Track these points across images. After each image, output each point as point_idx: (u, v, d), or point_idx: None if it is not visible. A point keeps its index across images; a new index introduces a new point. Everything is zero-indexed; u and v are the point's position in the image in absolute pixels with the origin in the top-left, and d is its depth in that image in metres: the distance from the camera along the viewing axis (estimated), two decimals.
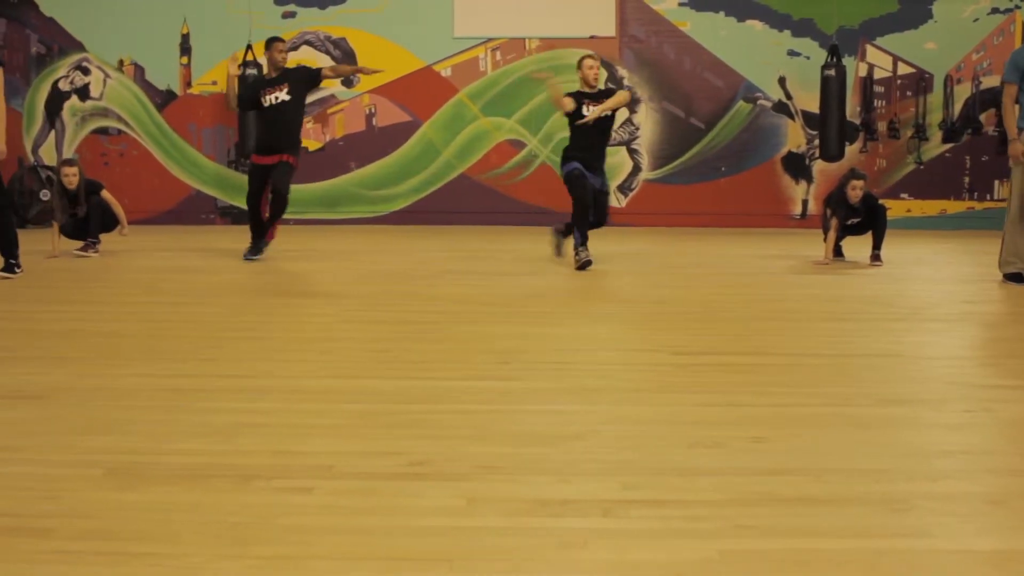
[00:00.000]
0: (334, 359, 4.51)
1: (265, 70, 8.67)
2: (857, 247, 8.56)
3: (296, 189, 12.70)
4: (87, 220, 8.70)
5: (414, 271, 7.73)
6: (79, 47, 12.53)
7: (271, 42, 8.47)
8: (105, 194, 8.80)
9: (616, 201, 12.28)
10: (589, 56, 8.13)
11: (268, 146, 8.34)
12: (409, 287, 6.94)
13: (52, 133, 12.58)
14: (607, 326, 5.55)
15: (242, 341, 4.88)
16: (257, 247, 8.44)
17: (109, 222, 8.86)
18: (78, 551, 2.30)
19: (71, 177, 8.59)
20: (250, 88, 8.56)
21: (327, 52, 12.47)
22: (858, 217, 8.30)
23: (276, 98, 8.28)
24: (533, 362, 4.41)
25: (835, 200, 8.32)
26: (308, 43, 12.47)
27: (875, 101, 12.32)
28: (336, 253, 8.39)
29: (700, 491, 2.70)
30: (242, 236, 11.02)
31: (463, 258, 8.23)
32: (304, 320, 5.59)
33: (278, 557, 2.27)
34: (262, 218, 8.42)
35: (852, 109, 12.23)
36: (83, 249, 8.61)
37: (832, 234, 8.33)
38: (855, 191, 8.15)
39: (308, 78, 8.45)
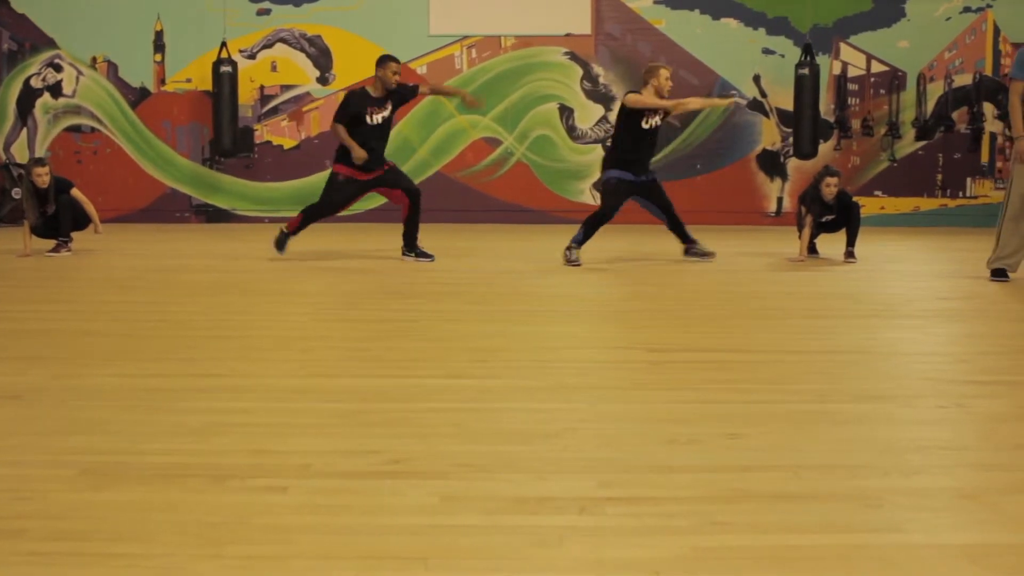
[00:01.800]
0: (311, 358, 4.49)
1: (372, 87, 8.09)
2: (831, 244, 8.62)
3: (271, 187, 12.70)
4: (57, 218, 8.59)
5: (391, 269, 7.72)
6: (51, 44, 12.42)
7: (387, 60, 8.09)
8: (75, 192, 8.69)
9: (592, 198, 12.32)
10: (663, 67, 8.25)
11: (367, 163, 8.05)
12: (386, 285, 6.93)
13: (24, 131, 12.47)
14: (584, 324, 5.57)
15: (218, 340, 4.86)
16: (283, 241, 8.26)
17: (80, 220, 8.75)
18: (52, 552, 2.28)
19: (43, 177, 8.48)
20: (355, 106, 8.03)
21: (302, 50, 12.43)
22: (832, 214, 8.35)
23: (382, 117, 8.07)
24: (511, 360, 4.42)
25: (809, 197, 8.37)
26: (283, 40, 12.42)
27: (849, 99, 12.39)
28: (312, 252, 8.36)
29: (676, 488, 2.71)
30: (218, 234, 11.00)
31: (439, 256, 8.22)
32: (281, 319, 5.57)
33: (254, 557, 2.26)
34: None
35: (826, 107, 12.31)
36: (54, 250, 8.51)
37: (806, 231, 8.37)
38: (829, 188, 8.20)
39: (407, 96, 8.29)
